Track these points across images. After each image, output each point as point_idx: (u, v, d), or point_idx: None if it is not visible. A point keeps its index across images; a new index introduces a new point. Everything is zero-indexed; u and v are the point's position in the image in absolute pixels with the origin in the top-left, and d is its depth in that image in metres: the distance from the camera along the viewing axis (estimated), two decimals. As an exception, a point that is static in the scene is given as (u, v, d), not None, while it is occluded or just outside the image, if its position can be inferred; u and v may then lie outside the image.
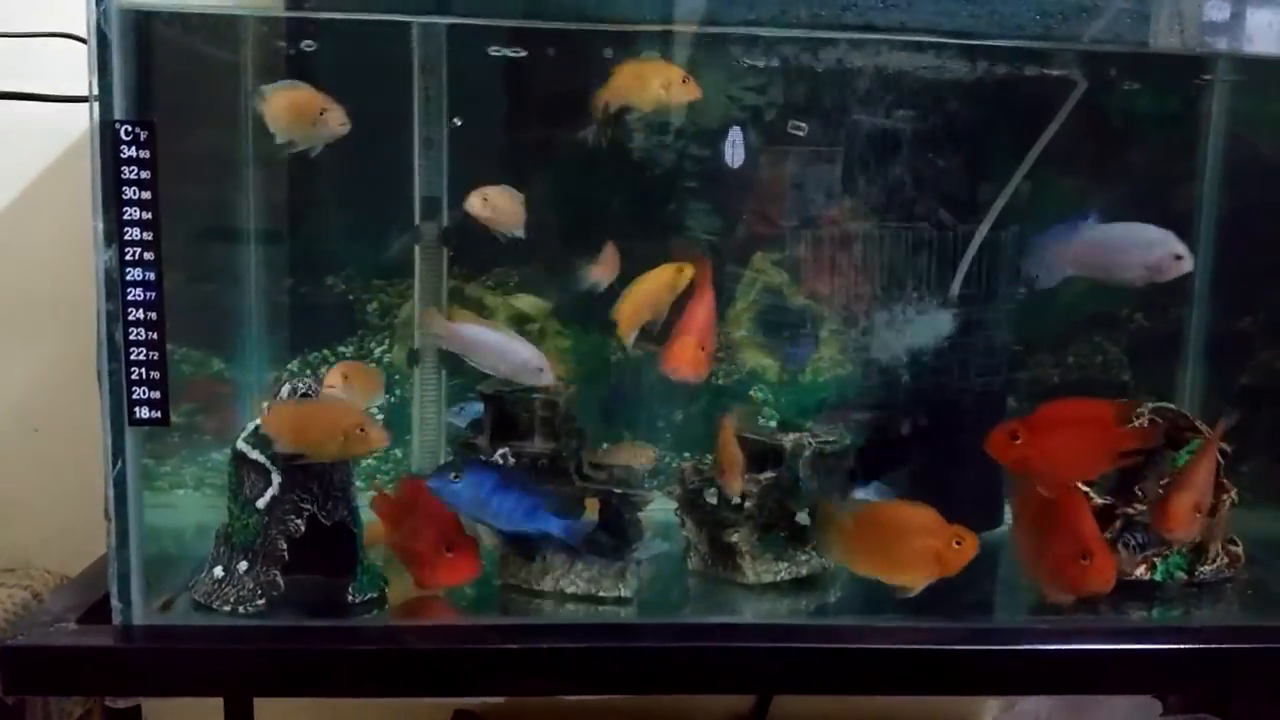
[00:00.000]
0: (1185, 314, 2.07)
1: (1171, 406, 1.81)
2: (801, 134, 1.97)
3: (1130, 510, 1.74)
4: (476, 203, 1.72)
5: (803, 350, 2.05)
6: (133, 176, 1.44)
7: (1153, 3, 1.74)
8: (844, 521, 1.58)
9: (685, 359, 1.65)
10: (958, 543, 1.50)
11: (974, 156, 1.98)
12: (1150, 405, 1.78)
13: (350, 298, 2.05)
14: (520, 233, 1.76)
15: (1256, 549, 1.81)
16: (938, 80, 1.89)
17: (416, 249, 2.00)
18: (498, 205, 1.73)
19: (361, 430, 1.51)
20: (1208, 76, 2.04)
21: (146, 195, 1.44)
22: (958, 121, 1.93)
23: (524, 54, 1.91)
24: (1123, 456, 1.60)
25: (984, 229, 1.95)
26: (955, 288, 1.93)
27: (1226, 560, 1.76)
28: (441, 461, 2.01)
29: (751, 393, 2.11)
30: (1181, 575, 1.73)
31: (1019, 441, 1.55)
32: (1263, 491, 1.93)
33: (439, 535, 1.54)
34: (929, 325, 1.98)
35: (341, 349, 2.04)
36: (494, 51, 1.93)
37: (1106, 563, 1.57)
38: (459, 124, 1.94)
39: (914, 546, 1.51)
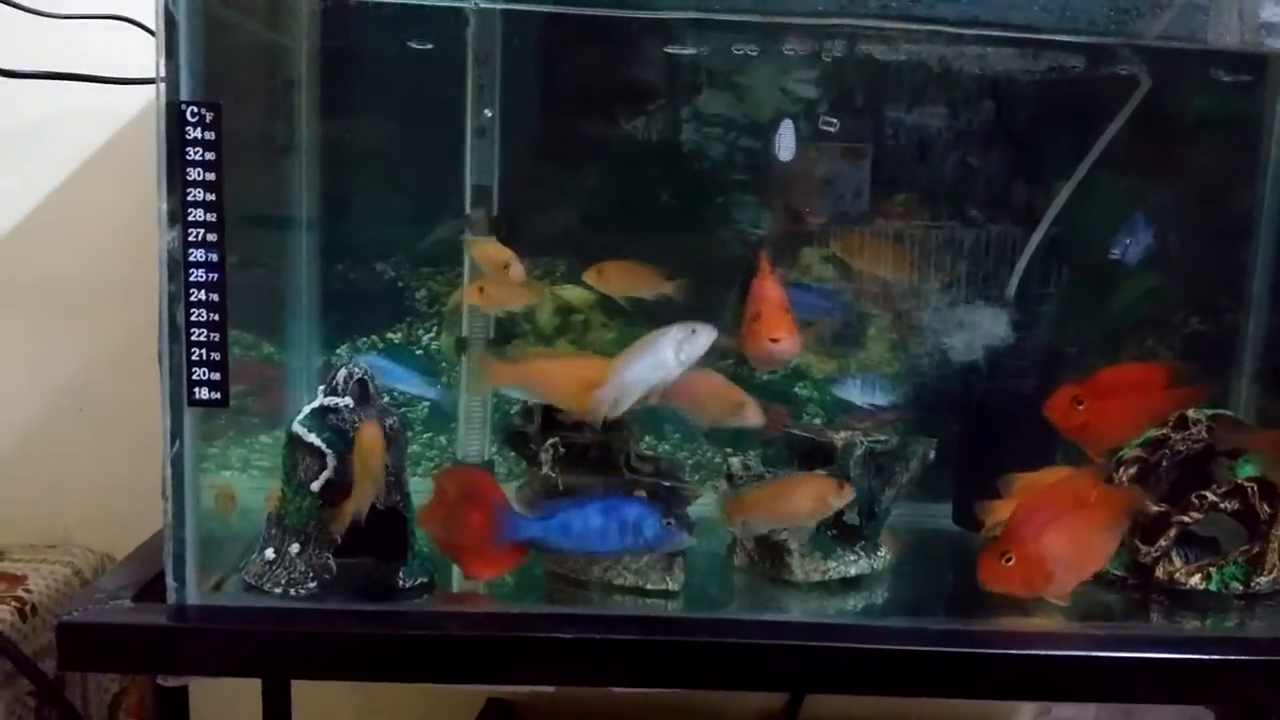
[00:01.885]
0: (1242, 319, 2.04)
1: (1228, 413, 1.78)
2: (833, 130, 1.96)
3: (1185, 519, 1.71)
4: None
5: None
6: (197, 158, 1.44)
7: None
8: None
9: (780, 328, 1.59)
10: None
11: (1031, 155, 1.97)
12: (1206, 412, 1.76)
13: (399, 284, 2.06)
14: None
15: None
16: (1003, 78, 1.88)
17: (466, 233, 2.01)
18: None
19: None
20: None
21: (211, 176, 1.45)
22: (1018, 119, 1.91)
23: (576, 42, 1.91)
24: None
25: (1042, 228, 1.93)
26: (1012, 288, 1.92)
27: (1284, 571, 1.73)
28: (486, 456, 2.02)
29: (796, 389, 2.10)
30: (1237, 585, 1.71)
31: (1082, 407, 1.54)
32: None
33: (486, 525, 1.54)
34: (979, 325, 1.97)
35: (390, 335, 2.05)
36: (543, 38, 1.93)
37: (1028, 567, 1.49)
38: (489, 114, 1.94)
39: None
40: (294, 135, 1.96)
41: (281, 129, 1.95)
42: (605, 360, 1.57)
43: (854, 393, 1.91)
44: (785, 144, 1.99)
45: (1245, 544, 1.72)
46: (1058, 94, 1.90)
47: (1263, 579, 1.71)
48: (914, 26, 1.68)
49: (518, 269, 1.77)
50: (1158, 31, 1.71)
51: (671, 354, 1.52)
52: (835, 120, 1.96)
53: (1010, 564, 1.49)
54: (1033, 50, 1.86)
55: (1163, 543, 1.72)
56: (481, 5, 1.84)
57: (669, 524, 1.52)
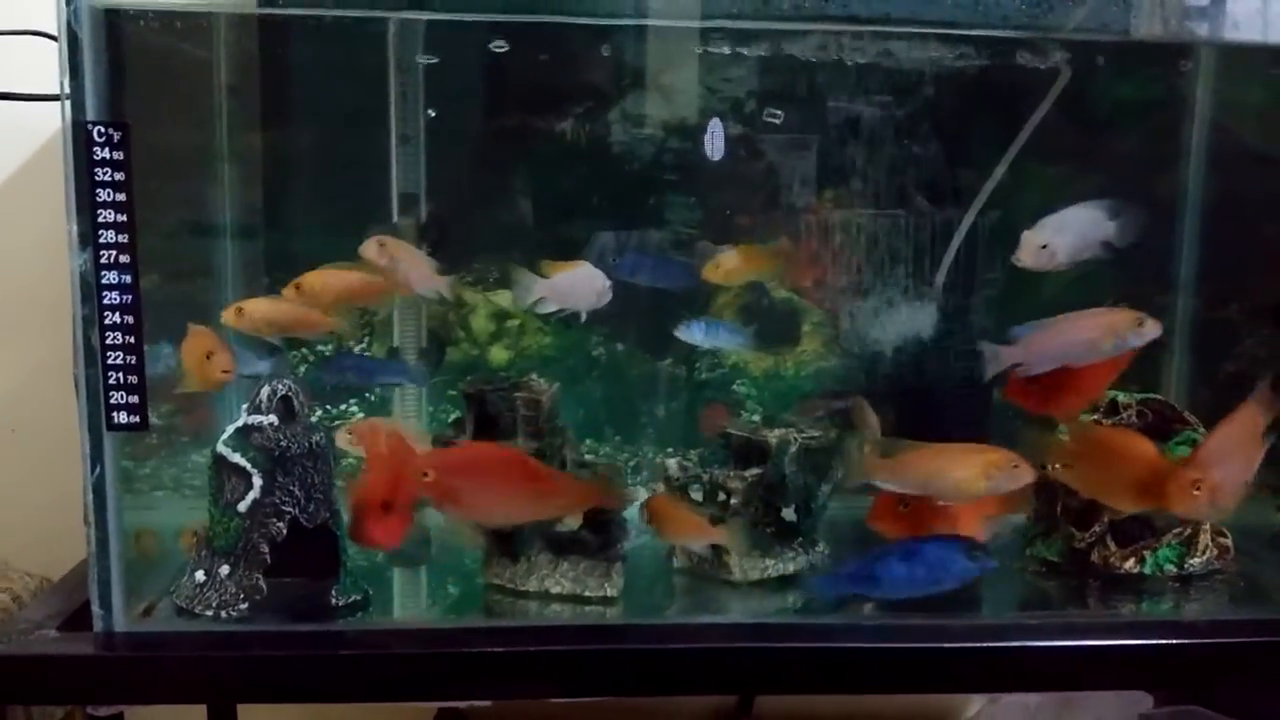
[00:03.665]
0: (1170, 303, 2.06)
1: (1158, 397, 1.81)
2: (778, 122, 1.96)
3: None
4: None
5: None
6: (106, 178, 1.41)
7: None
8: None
9: None
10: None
11: (956, 145, 1.98)
12: (1137, 396, 1.78)
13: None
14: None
15: (1243, 539, 1.80)
16: (920, 70, 1.88)
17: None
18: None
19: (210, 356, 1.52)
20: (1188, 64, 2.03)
21: (121, 197, 1.42)
22: (939, 110, 1.92)
23: (504, 49, 1.89)
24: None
25: (969, 218, 1.94)
26: (940, 277, 1.93)
27: (1216, 552, 1.76)
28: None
29: (735, 387, 2.10)
30: (1171, 568, 1.73)
31: (1038, 384, 1.55)
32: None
33: (385, 493, 1.52)
34: (910, 315, 1.98)
35: (321, 347, 2.02)
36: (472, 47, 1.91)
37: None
38: (432, 114, 1.92)
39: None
40: (214, 148, 1.93)
41: (201, 142, 1.91)
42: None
43: (697, 335, 1.86)
44: (715, 143, 1.99)
45: (1178, 526, 1.74)
46: (978, 87, 1.91)
47: (1195, 560, 1.74)
48: (830, 28, 1.69)
49: (222, 358, 1.60)
50: (1076, 23, 1.72)
51: None
52: (779, 112, 1.96)
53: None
54: (953, 46, 1.87)
55: (1096, 528, 1.73)
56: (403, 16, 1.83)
57: (975, 555, 1.52)
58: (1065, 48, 1.87)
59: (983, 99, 1.95)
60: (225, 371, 1.58)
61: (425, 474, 1.47)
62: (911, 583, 1.51)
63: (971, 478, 1.52)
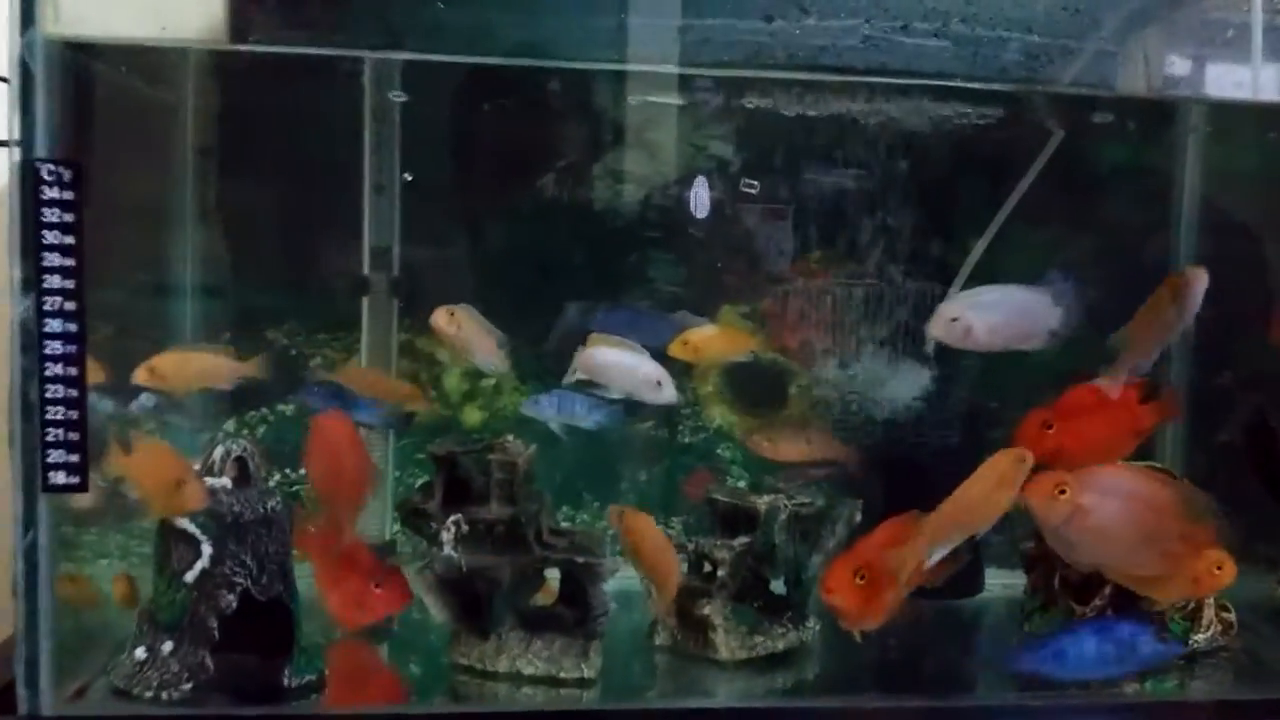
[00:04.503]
0: (1162, 368, 2.01)
1: (1157, 465, 1.74)
2: (754, 192, 1.92)
3: (1120, 577, 1.65)
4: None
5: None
6: (54, 220, 1.32)
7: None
8: None
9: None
10: (1218, 568, 1.41)
11: (940, 211, 1.94)
12: (1136, 465, 1.71)
13: (293, 352, 1.94)
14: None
15: (1244, 613, 1.73)
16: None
17: (365, 301, 1.90)
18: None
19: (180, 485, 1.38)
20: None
21: (70, 240, 1.32)
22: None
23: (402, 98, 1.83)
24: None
25: (960, 281, 1.89)
26: (931, 346, 1.86)
27: (1220, 627, 1.68)
28: (387, 535, 1.89)
29: (719, 451, 2.02)
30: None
31: (1052, 431, 1.47)
32: (1247, 556, 1.86)
33: (366, 570, 1.49)
34: (897, 380, 1.92)
35: (282, 407, 1.92)
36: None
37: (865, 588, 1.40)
38: (408, 178, 1.86)
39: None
40: (176, 196, 1.85)
41: (162, 189, 1.83)
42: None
43: (547, 410, 1.75)
44: (700, 200, 1.93)
45: (1182, 602, 1.66)
46: (971, 147, 1.87)
47: (1200, 636, 1.66)
48: (825, 78, 1.64)
49: (194, 489, 1.43)
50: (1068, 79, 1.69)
51: None
52: (755, 182, 1.91)
53: (1050, 432, 1.47)
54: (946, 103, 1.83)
55: (1097, 601, 1.65)
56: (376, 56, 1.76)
57: (1166, 637, 1.48)
58: (1057, 107, 1.84)
59: (973, 160, 1.91)
60: (197, 502, 1.41)
61: None
62: (1101, 662, 1.45)
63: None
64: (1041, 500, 1.36)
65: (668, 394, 1.58)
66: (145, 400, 1.68)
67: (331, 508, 1.51)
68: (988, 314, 1.53)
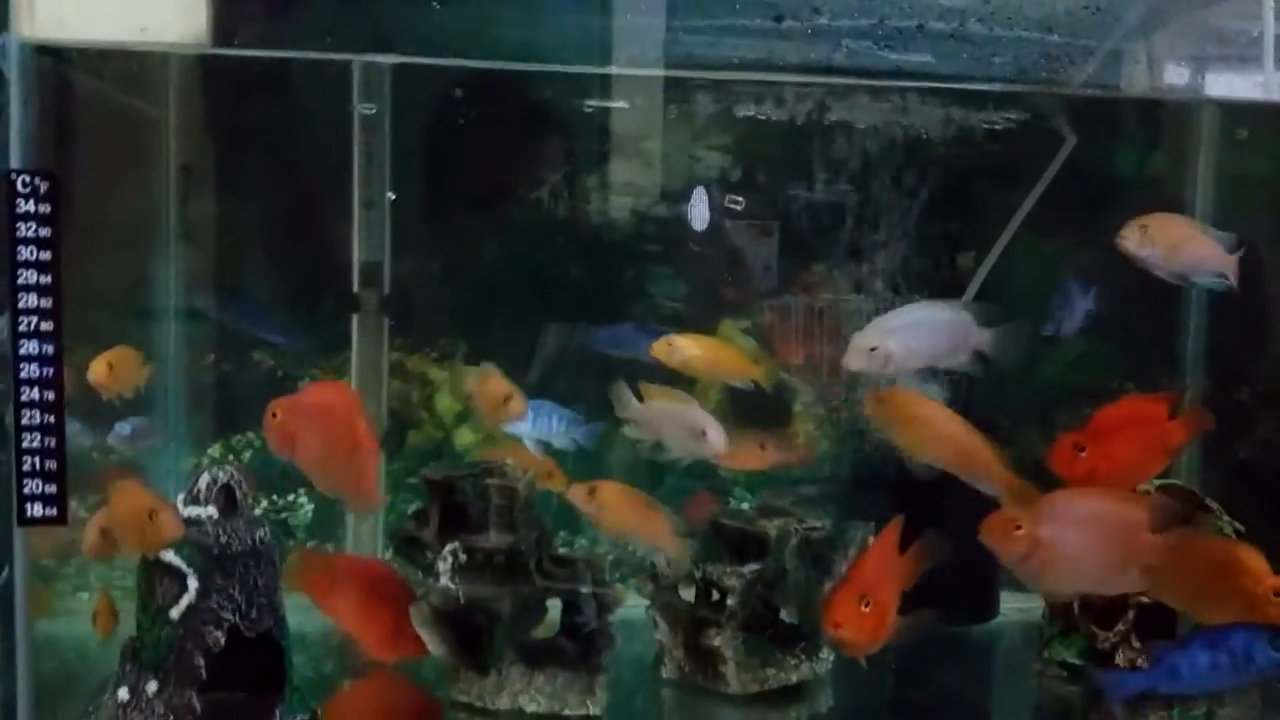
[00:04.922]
0: (1178, 385, 1.96)
1: (1178, 484, 1.69)
2: (739, 209, 1.87)
3: (1143, 598, 1.59)
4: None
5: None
6: (30, 234, 1.25)
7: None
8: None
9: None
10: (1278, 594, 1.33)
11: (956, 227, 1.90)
12: (1155, 483, 1.65)
13: (280, 374, 1.87)
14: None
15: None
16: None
17: (354, 319, 1.83)
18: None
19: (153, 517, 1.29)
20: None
21: (45, 255, 1.26)
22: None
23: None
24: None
25: (970, 294, 1.85)
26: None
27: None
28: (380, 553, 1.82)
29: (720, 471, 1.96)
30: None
31: (1084, 453, 1.41)
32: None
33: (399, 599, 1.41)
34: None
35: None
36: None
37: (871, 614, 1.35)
38: (393, 197, 1.80)
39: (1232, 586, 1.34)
40: (159, 212, 1.78)
41: (145, 205, 1.76)
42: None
43: (524, 427, 1.63)
44: (699, 212, 1.88)
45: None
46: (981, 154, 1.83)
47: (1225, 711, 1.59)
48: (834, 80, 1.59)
49: (168, 519, 1.34)
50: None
51: None
52: (741, 199, 1.87)
53: (1083, 454, 1.41)
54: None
55: (1120, 627, 1.59)
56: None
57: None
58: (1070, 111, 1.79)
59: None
60: (173, 532, 1.31)
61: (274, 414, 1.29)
62: (1215, 673, 1.39)
63: None
64: (999, 539, 1.32)
65: (713, 444, 1.49)
66: (122, 429, 1.59)
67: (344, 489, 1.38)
68: (903, 337, 1.48)
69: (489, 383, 1.54)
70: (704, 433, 1.49)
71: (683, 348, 1.62)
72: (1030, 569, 1.32)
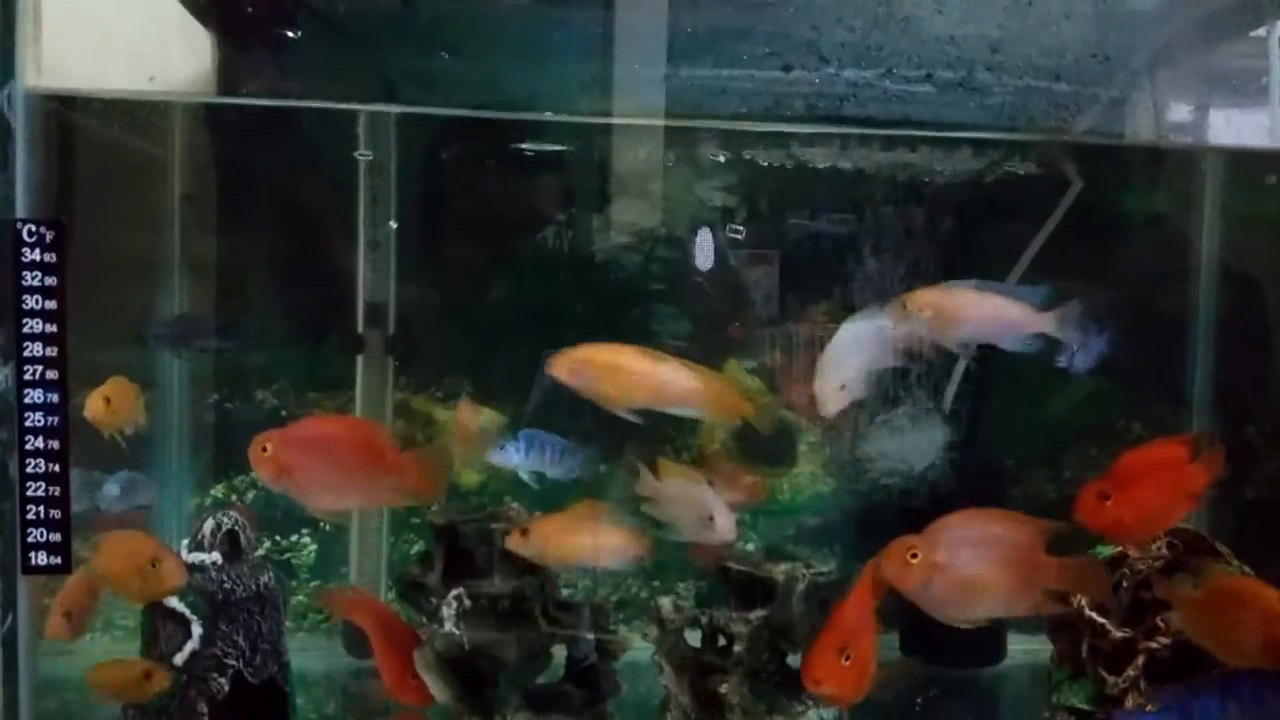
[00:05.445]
0: (1185, 425, 1.96)
1: (1188, 528, 1.67)
2: (740, 237, 1.86)
3: (1153, 645, 1.58)
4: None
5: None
6: (35, 283, 1.25)
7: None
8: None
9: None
10: None
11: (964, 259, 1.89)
12: (1164, 527, 1.64)
13: (283, 413, 1.86)
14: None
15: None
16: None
17: (359, 359, 1.83)
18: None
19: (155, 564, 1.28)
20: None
21: (51, 305, 1.26)
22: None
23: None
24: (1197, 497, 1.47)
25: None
26: (947, 402, 1.81)
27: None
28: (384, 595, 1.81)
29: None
30: (1216, 716, 1.57)
31: (1110, 502, 1.41)
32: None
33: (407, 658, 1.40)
34: (912, 440, 1.86)
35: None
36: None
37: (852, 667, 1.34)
38: (394, 225, 1.80)
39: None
40: (164, 252, 1.78)
41: (149, 246, 1.77)
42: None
43: (513, 458, 1.60)
44: (704, 251, 1.88)
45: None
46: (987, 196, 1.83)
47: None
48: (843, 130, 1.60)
49: (171, 567, 1.32)
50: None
51: None
52: (741, 228, 1.87)
53: (1108, 504, 1.39)
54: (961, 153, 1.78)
55: (1130, 672, 1.57)
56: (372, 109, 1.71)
57: None
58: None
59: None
60: (178, 579, 1.30)
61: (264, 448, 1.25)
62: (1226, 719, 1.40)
63: None
64: (896, 569, 1.31)
65: (721, 530, 1.47)
66: (111, 490, 1.57)
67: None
68: (854, 360, 1.49)
69: (461, 412, 1.53)
70: (712, 519, 1.48)
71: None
72: (931, 596, 1.31)
